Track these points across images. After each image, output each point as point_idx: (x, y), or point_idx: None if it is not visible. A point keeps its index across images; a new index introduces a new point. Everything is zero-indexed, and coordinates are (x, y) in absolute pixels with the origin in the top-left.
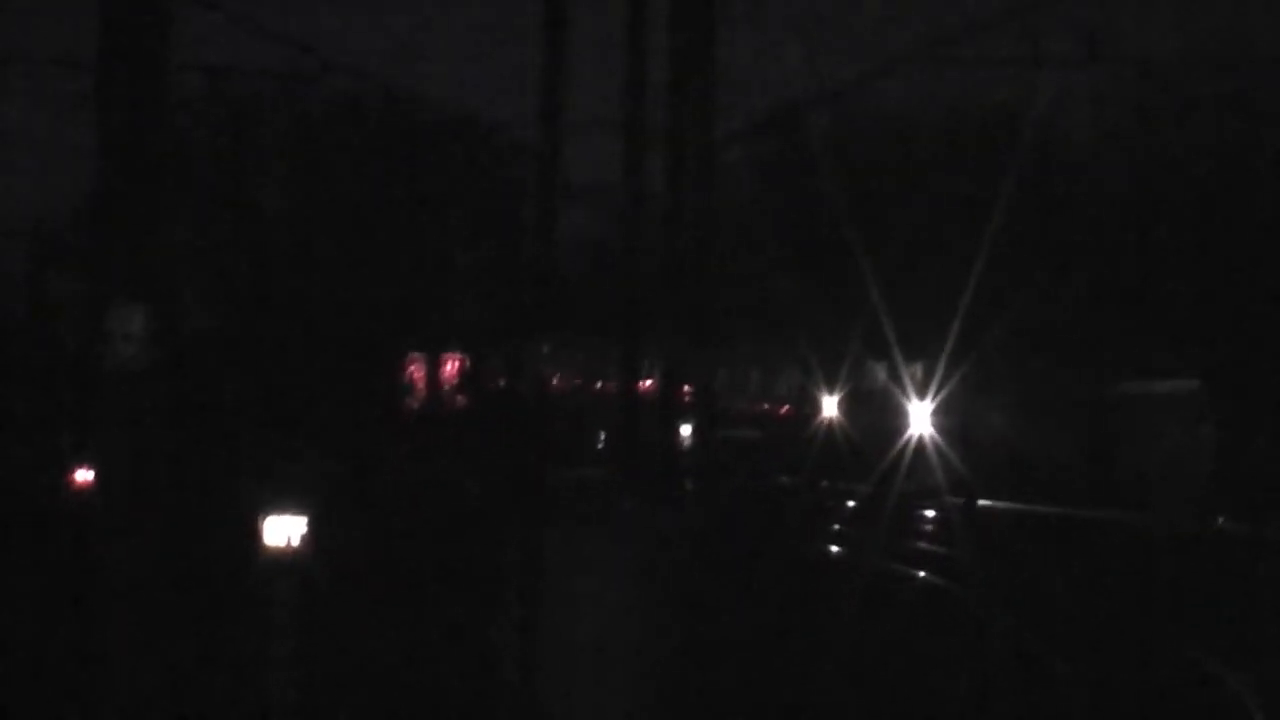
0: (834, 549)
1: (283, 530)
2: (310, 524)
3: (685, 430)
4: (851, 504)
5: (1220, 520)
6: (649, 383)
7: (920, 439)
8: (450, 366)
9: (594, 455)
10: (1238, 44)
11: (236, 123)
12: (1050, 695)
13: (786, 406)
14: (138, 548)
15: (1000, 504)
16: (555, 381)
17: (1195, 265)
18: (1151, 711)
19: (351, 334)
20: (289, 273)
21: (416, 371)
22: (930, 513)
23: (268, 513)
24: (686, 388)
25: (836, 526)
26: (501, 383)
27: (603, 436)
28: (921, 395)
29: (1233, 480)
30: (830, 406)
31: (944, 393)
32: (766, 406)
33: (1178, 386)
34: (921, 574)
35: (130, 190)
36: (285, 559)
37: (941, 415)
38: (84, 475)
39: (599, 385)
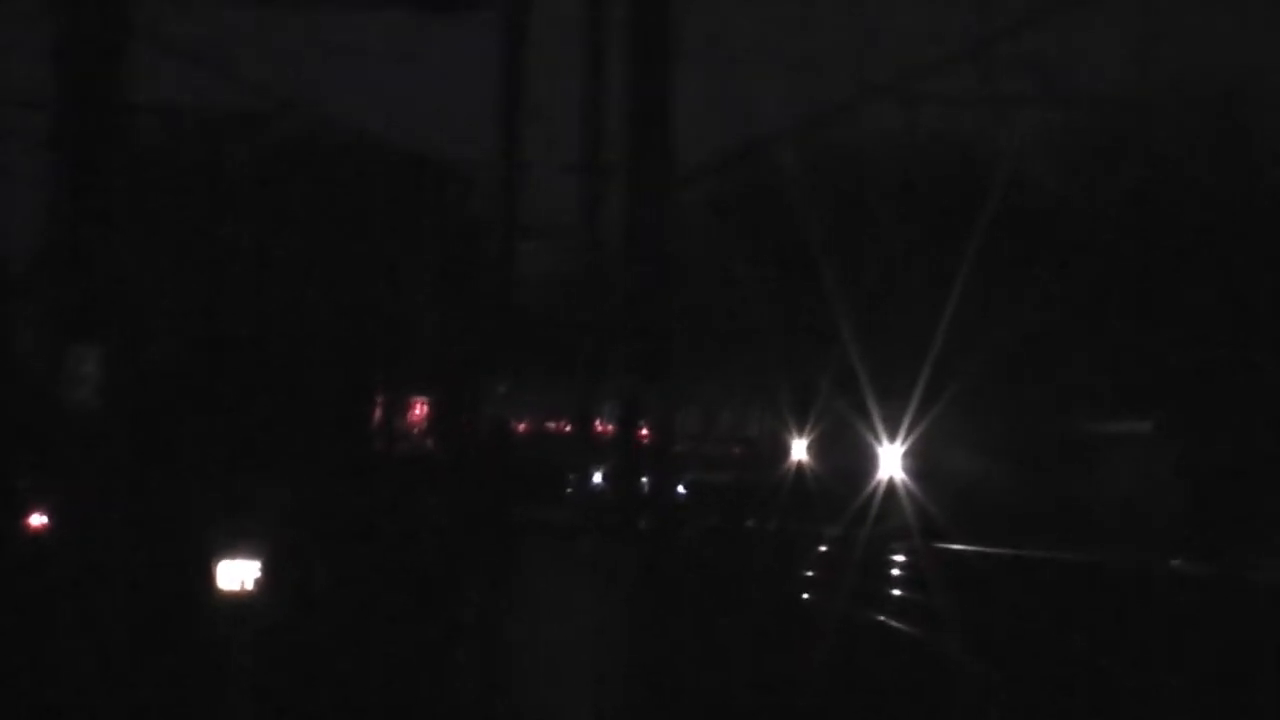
0: (804, 595)
1: (236, 574)
2: (265, 567)
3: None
4: (822, 548)
5: (1175, 562)
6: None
7: (890, 481)
8: (420, 409)
9: (563, 497)
10: (1200, 79)
11: (195, 164)
12: None
13: (737, 448)
14: (91, 591)
15: (969, 547)
16: (522, 425)
17: (1155, 305)
18: None
19: (315, 376)
20: (249, 314)
21: (406, 413)
22: (901, 556)
23: (221, 556)
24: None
25: (809, 573)
26: (469, 426)
27: (571, 479)
28: (892, 437)
29: (1192, 521)
30: (800, 449)
31: (915, 434)
32: (738, 449)
33: (1134, 428)
34: (892, 622)
35: (86, 231)
36: (239, 602)
37: (912, 457)
38: (39, 519)
39: (565, 427)
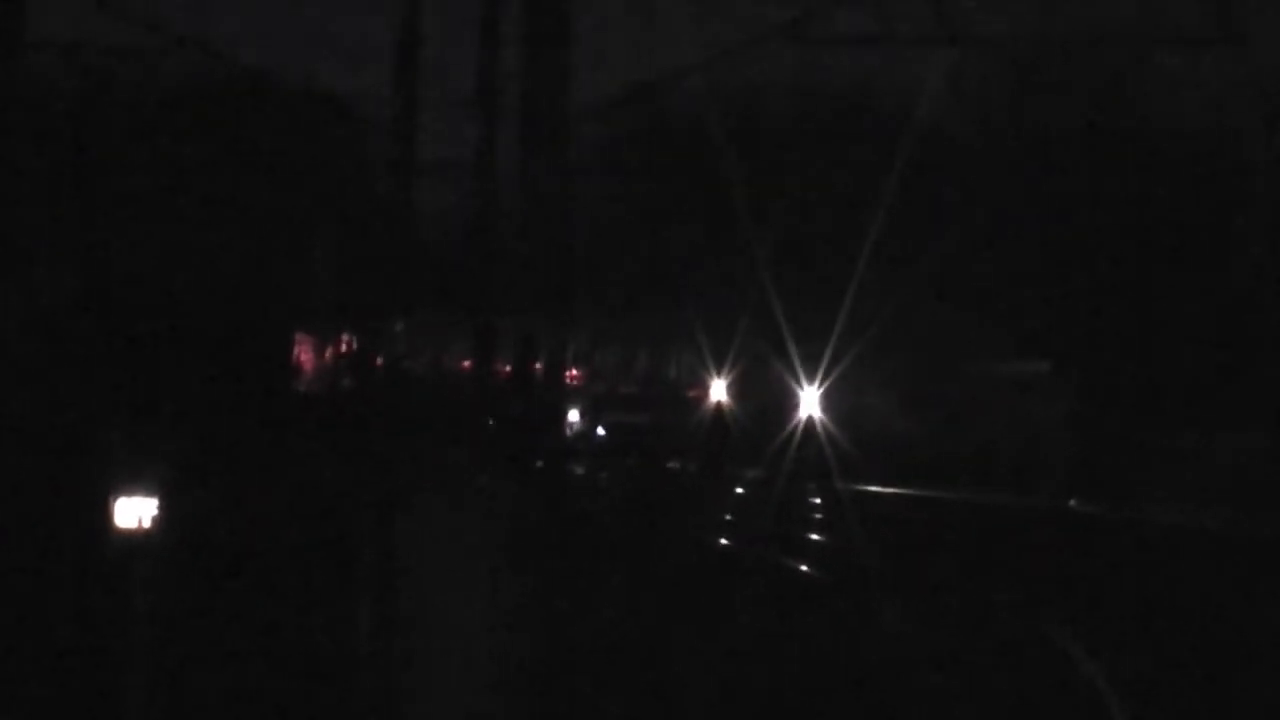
0: (722, 540)
1: (133, 510)
2: (161, 504)
3: (574, 416)
4: (739, 490)
5: (1071, 501)
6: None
7: (809, 421)
8: (336, 347)
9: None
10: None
11: (88, 99)
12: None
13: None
14: None
15: (885, 489)
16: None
17: (1054, 249)
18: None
19: (210, 316)
20: (143, 254)
21: (303, 353)
22: (818, 500)
23: (118, 493)
24: (573, 371)
25: (727, 517)
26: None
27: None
28: (811, 378)
29: (1088, 462)
30: (720, 389)
31: (833, 376)
32: (657, 389)
33: (1030, 368)
34: (804, 568)
35: None
36: (136, 539)
37: (830, 398)
38: None
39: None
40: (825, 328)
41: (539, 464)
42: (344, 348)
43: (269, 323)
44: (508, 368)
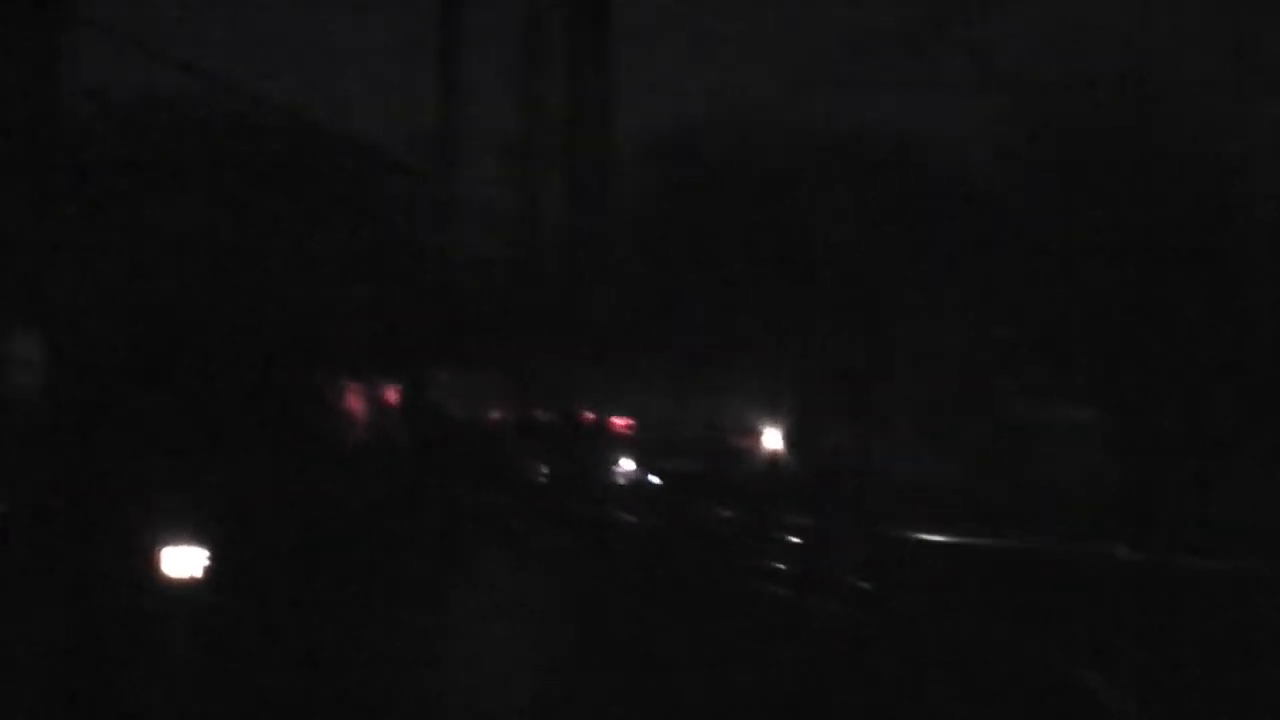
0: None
1: (182, 560)
2: (211, 554)
3: (627, 464)
4: (794, 539)
5: (1119, 548)
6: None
7: (860, 469)
8: (388, 395)
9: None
10: (1131, 66)
11: (128, 144)
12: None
13: (722, 436)
14: (38, 575)
15: (937, 538)
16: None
17: (1097, 293)
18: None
19: (258, 362)
20: (194, 300)
21: (352, 402)
22: (869, 546)
23: (166, 542)
24: (625, 421)
25: (778, 565)
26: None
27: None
28: (867, 425)
29: (1133, 509)
30: (773, 437)
31: (883, 423)
32: (720, 436)
33: (1073, 414)
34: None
35: (22, 216)
36: (183, 589)
37: (884, 445)
38: None
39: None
40: (879, 374)
41: (585, 512)
42: (390, 396)
43: (317, 370)
44: (542, 414)
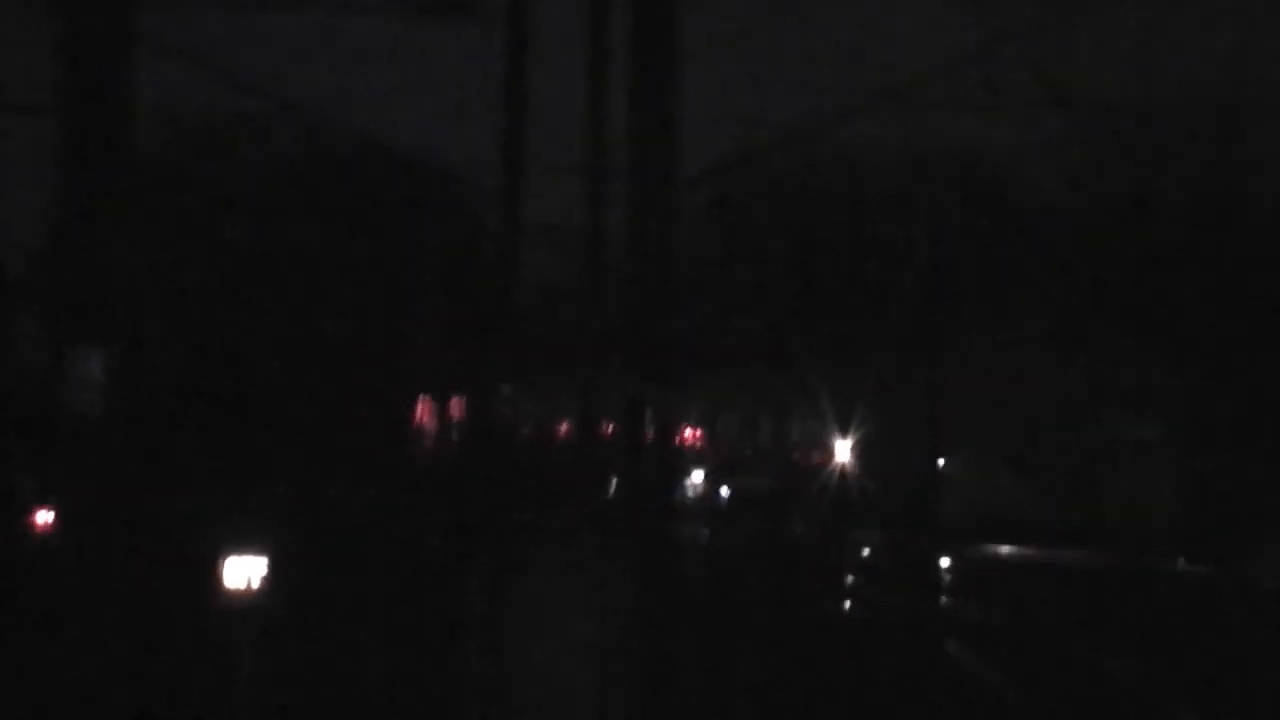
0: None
1: (242, 571)
2: (271, 565)
3: (698, 477)
4: (865, 552)
5: (1181, 561)
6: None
7: (935, 483)
8: (455, 409)
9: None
10: (1198, 85)
11: (200, 164)
12: None
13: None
14: (99, 589)
15: (1014, 550)
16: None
17: (1164, 307)
18: None
19: (320, 378)
20: (257, 314)
21: (416, 416)
22: (947, 561)
23: (227, 554)
24: (695, 434)
25: (850, 579)
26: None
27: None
28: (939, 440)
29: (1197, 523)
30: (844, 451)
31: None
32: (780, 453)
33: (1142, 429)
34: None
35: (90, 232)
36: (245, 600)
37: (957, 459)
38: (45, 517)
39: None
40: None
41: (651, 531)
42: (455, 412)
43: (383, 386)
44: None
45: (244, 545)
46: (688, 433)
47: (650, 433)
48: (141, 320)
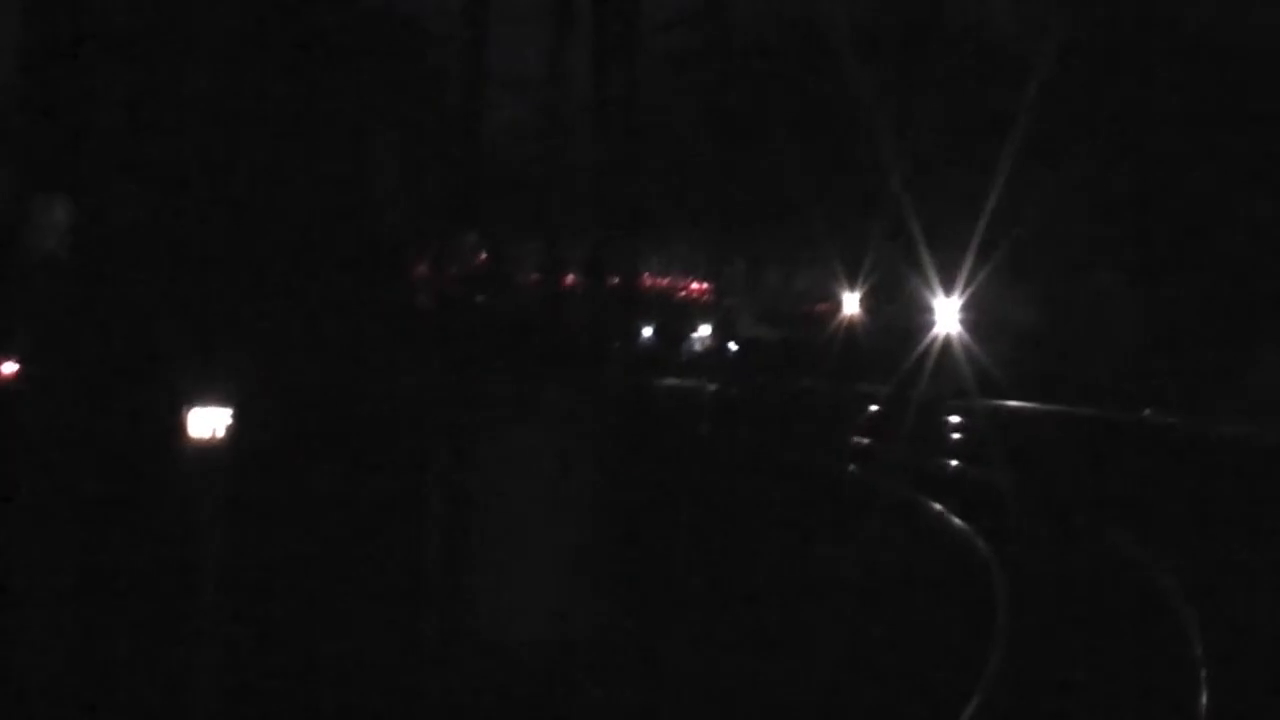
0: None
1: (207, 421)
2: (235, 415)
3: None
4: (873, 408)
5: (1146, 412)
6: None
7: (947, 338)
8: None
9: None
10: None
11: (161, 8)
12: None
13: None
14: (62, 437)
15: (1029, 405)
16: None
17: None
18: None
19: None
20: (225, 165)
21: (425, 269)
22: (957, 418)
23: (193, 403)
24: (699, 285)
25: (858, 439)
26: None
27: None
28: (948, 290)
29: (1161, 374)
30: (851, 303)
31: (972, 287)
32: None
33: (1105, 279)
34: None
35: (53, 78)
36: (209, 449)
37: (970, 311)
38: (8, 367)
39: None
40: (960, 239)
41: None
42: (419, 264)
43: (346, 237)
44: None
45: (208, 396)
46: (694, 286)
47: (614, 283)
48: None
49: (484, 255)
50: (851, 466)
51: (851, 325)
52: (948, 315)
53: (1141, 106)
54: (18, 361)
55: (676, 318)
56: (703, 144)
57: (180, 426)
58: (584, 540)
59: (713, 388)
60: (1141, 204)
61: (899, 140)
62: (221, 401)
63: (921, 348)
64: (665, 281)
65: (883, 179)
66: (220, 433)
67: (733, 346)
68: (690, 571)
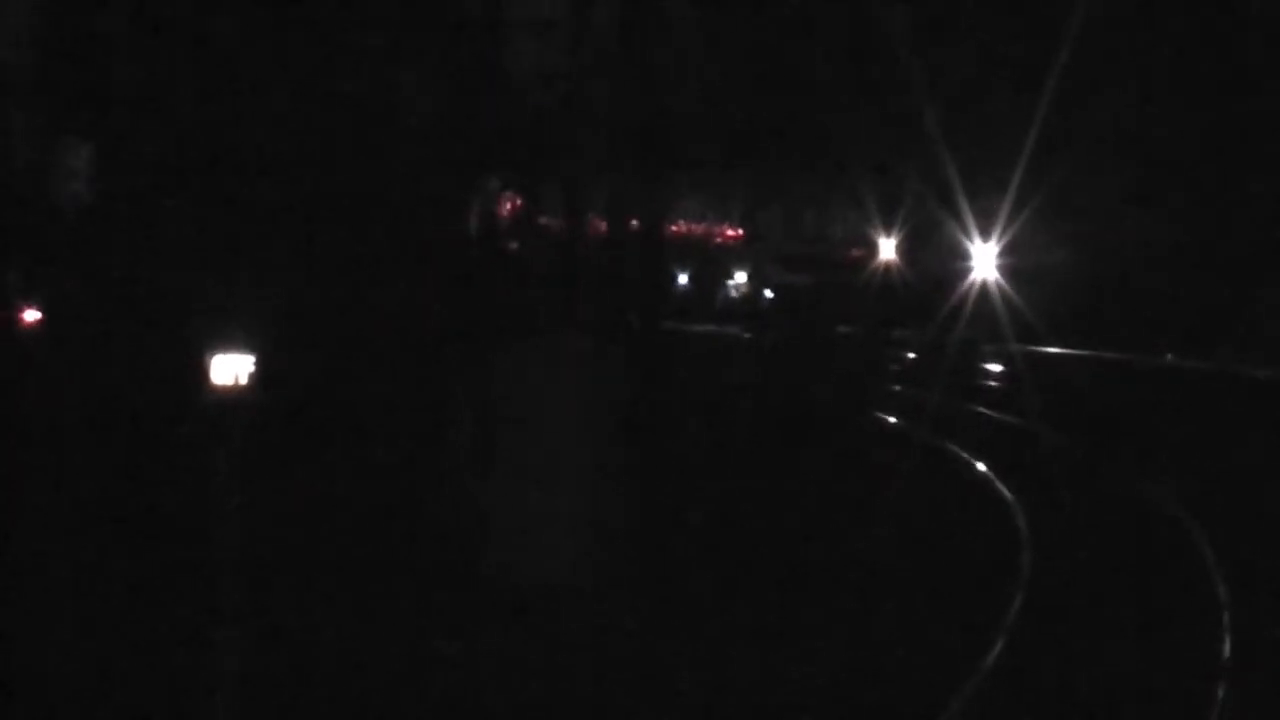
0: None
1: (230, 368)
2: (259, 363)
3: (740, 277)
4: (910, 355)
5: (1169, 356)
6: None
7: (984, 283)
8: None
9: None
10: None
11: None
12: None
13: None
14: (85, 385)
15: (1066, 350)
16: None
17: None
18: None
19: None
20: (250, 109)
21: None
22: (994, 366)
23: (216, 350)
24: (734, 231)
25: (895, 387)
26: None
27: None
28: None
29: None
30: (888, 249)
31: (1010, 232)
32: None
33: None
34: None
35: (75, 22)
36: (232, 396)
37: (1008, 256)
38: (32, 315)
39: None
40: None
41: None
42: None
43: (369, 180)
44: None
45: (231, 343)
46: (729, 232)
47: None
48: (129, 112)
49: (517, 202)
50: (889, 416)
51: (888, 271)
52: (985, 260)
53: (1184, 43)
54: (41, 310)
55: (712, 264)
56: (736, 86)
57: (202, 373)
58: (601, 494)
59: (747, 335)
60: (1182, 144)
61: (934, 83)
62: (244, 348)
63: (958, 294)
64: (701, 228)
65: (919, 121)
66: (243, 379)
67: (768, 294)
68: (707, 545)
